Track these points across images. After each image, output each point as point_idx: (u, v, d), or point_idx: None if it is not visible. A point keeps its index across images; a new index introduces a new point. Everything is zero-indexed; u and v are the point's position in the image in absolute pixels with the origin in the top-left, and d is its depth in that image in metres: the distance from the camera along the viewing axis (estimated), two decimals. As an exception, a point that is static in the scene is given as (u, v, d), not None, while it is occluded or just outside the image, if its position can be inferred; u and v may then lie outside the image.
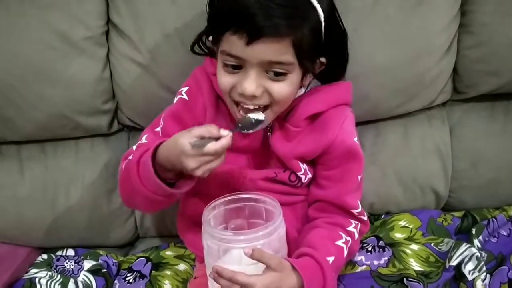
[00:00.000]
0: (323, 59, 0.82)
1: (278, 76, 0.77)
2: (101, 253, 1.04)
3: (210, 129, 0.73)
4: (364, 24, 0.95)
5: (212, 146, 0.72)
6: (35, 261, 1.02)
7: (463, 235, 1.00)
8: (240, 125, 0.78)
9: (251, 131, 0.78)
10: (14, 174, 1.04)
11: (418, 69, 0.99)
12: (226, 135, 0.73)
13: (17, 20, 0.93)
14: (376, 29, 0.95)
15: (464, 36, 1.01)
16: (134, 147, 0.87)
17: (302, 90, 0.85)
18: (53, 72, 0.95)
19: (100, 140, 1.06)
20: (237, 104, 0.80)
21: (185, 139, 0.73)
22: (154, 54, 0.96)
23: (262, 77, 0.76)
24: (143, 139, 0.88)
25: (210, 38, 0.83)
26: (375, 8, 0.95)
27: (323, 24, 0.78)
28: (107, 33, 0.98)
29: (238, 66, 0.77)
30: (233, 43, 0.74)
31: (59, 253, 1.04)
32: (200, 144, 0.72)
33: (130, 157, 0.81)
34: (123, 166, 0.83)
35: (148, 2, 0.95)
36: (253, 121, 0.78)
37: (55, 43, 0.94)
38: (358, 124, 0.97)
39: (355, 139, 0.86)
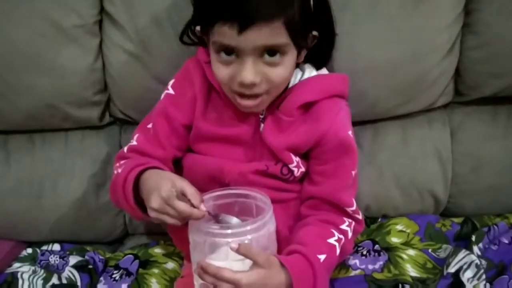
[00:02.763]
0: (315, 33, 0.81)
1: (274, 57, 0.75)
2: (88, 249, 1.01)
3: (195, 195, 0.73)
4: (364, 21, 0.93)
5: (181, 205, 0.71)
6: (20, 255, 0.99)
7: (462, 241, 0.97)
8: (220, 218, 0.77)
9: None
10: (0, 166, 1.01)
11: (418, 68, 0.96)
12: (202, 210, 0.72)
13: (5, 5, 0.91)
14: (376, 25, 0.93)
15: (467, 36, 0.98)
16: (125, 149, 0.87)
17: (298, 77, 0.84)
18: (42, 60, 0.93)
19: (90, 133, 1.04)
20: (236, 93, 0.78)
21: (176, 183, 0.73)
22: (147, 45, 0.94)
23: (259, 63, 0.75)
24: (134, 140, 0.87)
25: (199, 28, 0.81)
26: (375, 4, 0.93)
27: None
28: (100, 22, 0.96)
29: (231, 52, 0.76)
30: (225, 34, 0.73)
31: (44, 247, 1.02)
32: (175, 195, 0.72)
33: (120, 170, 0.82)
34: (114, 172, 0.85)
35: (142, -10, 0.93)
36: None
37: (45, 30, 0.92)
38: (356, 123, 0.95)
39: (350, 132, 0.84)
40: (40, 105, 0.96)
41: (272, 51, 0.75)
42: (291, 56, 0.77)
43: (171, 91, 0.86)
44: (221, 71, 0.77)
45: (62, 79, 0.95)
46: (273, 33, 0.73)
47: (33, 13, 0.92)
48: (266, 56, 0.75)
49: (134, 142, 0.87)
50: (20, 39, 0.92)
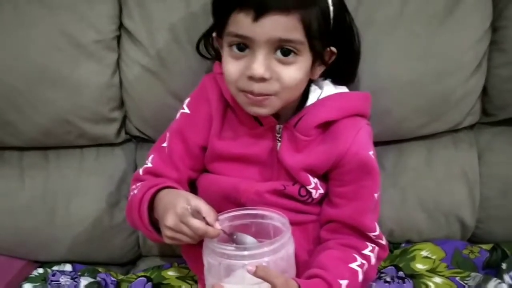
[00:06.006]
0: (333, 49, 0.79)
1: (287, 56, 0.73)
2: (99, 270, 0.99)
3: (210, 213, 0.71)
4: (388, 37, 0.91)
5: (196, 222, 0.70)
6: (30, 275, 0.97)
7: (492, 269, 0.93)
8: (235, 237, 0.75)
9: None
10: (13, 182, 1.00)
11: (443, 87, 0.93)
12: (217, 228, 0.71)
13: (24, 19, 0.91)
14: (399, 42, 0.91)
15: (495, 54, 0.95)
16: (140, 171, 0.85)
17: (316, 93, 0.81)
18: (59, 75, 0.92)
19: (106, 150, 1.02)
20: (244, 92, 0.76)
21: (191, 201, 0.72)
22: (165, 61, 0.93)
23: (271, 59, 0.73)
24: (149, 161, 0.86)
25: (215, 34, 0.80)
26: (399, 20, 0.91)
27: (331, 8, 0.75)
28: (118, 38, 0.95)
29: (244, 47, 0.74)
30: (240, 22, 0.72)
31: (55, 267, 0.99)
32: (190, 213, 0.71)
33: (136, 191, 0.81)
34: (130, 194, 0.83)
35: (162, 7, 0.92)
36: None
37: (62, 45, 0.91)
38: (379, 143, 0.92)
39: (371, 152, 0.81)
40: (55, 121, 0.95)
41: (286, 50, 0.73)
42: (305, 60, 0.75)
43: (186, 110, 0.85)
44: (231, 66, 0.75)
45: (79, 94, 0.94)
46: (289, 26, 0.71)
47: (52, 28, 0.91)
48: (279, 54, 0.73)
49: (149, 164, 0.86)
50: (38, 53, 0.92)
